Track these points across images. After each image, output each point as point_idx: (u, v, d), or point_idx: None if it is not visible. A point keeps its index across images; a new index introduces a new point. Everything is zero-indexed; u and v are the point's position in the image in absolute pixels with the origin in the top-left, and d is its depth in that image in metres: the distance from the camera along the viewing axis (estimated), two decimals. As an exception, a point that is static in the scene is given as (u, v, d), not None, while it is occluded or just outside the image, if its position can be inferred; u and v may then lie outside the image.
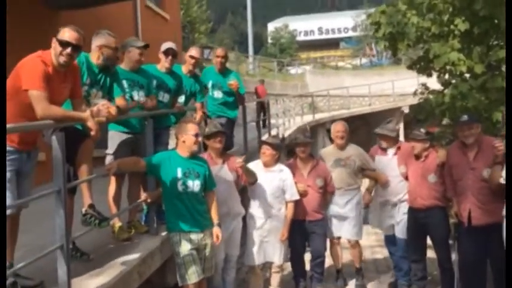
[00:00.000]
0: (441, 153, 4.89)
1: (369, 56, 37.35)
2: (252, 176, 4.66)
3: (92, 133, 3.14)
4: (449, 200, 4.85)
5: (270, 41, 50.32)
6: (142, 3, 11.12)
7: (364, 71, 31.06)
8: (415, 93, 8.25)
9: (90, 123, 3.12)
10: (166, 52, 4.73)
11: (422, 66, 7.07)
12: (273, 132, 11.11)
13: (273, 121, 11.27)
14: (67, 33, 3.06)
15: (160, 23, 12.24)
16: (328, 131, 19.71)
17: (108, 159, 4.11)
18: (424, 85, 8.03)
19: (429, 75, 7.22)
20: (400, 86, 23.91)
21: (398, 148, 5.32)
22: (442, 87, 7.55)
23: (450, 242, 4.96)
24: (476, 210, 4.36)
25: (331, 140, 5.51)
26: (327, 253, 5.36)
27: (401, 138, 20.80)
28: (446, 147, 5.18)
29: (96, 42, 3.72)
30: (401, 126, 21.97)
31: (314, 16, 63.98)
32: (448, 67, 6.04)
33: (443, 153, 4.85)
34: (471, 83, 5.87)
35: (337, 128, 5.37)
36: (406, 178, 5.17)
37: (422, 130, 5.01)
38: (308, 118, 17.85)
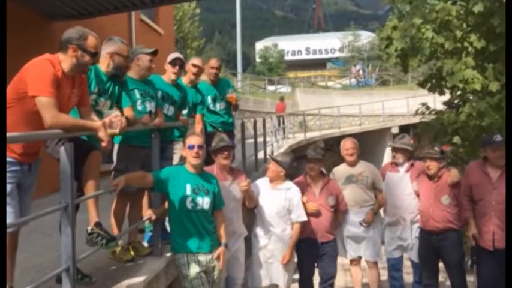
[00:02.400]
0: (453, 173, 4.74)
1: (356, 76, 37.70)
2: (252, 202, 4.48)
3: (104, 144, 2.90)
4: (465, 222, 4.66)
5: (258, 59, 50.58)
6: (136, 17, 10.97)
7: (353, 91, 31.25)
8: (416, 113, 8.13)
9: (102, 134, 2.88)
10: (174, 62, 4.53)
11: (434, 83, 6.93)
12: (268, 150, 10.94)
13: (267, 139, 11.09)
14: (95, 42, 2.91)
15: (154, 37, 12.08)
16: (322, 149, 19.73)
17: (115, 175, 3.84)
18: (425, 104, 7.93)
19: (441, 93, 7.08)
20: (389, 106, 24.11)
21: (412, 165, 5.17)
22: (444, 107, 7.46)
23: (469, 265, 4.76)
24: (500, 233, 4.20)
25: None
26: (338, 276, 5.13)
27: (390, 158, 20.94)
28: (457, 167, 5.02)
29: (108, 49, 3.51)
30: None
31: (301, 36, 64.86)
32: (461, 85, 5.91)
33: (456, 173, 4.70)
34: (488, 101, 5.75)
35: (347, 146, 5.22)
36: (418, 195, 5.00)
37: (437, 148, 4.84)
38: (300, 136, 17.74)
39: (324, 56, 56.63)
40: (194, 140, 3.78)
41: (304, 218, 4.62)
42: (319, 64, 54.30)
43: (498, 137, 4.38)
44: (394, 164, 5.25)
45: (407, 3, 6.56)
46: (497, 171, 4.29)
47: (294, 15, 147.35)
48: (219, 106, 5.72)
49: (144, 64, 4.00)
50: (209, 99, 5.68)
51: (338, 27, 75.47)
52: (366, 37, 48.71)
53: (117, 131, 3.01)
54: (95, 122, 2.94)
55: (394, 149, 5.24)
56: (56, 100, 2.65)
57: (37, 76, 2.64)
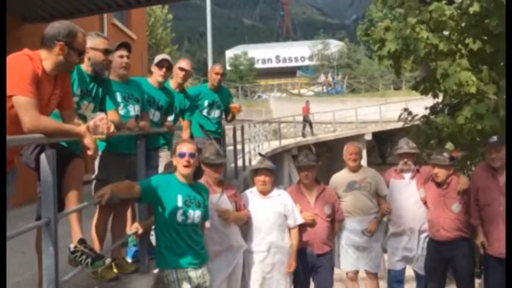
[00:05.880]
0: (462, 180, 4.56)
1: (325, 85, 38.05)
2: (241, 221, 4.19)
3: (90, 152, 2.57)
4: (472, 230, 4.48)
5: (228, 67, 50.39)
6: (109, 21, 10.60)
7: (327, 98, 31.41)
8: (399, 118, 8.04)
9: (88, 141, 2.55)
10: (161, 64, 4.22)
11: (427, 86, 6.77)
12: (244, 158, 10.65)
13: (239, 147, 10.81)
14: (83, 39, 2.64)
15: (127, 42, 11.70)
16: (294, 156, 19.68)
17: (97, 185, 3.50)
18: (406, 110, 7.84)
19: (435, 96, 6.94)
20: (362, 113, 24.30)
21: (417, 171, 4.92)
22: (428, 112, 7.36)
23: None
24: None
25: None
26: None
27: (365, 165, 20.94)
28: (468, 173, 4.85)
29: None
30: (364, 153, 22.16)
31: (271, 45, 65.25)
32: (455, 88, 5.77)
33: (465, 181, 4.53)
34: (487, 103, 5.62)
35: (350, 150, 4.95)
36: (425, 203, 4.79)
37: (446, 154, 4.63)
38: (274, 144, 17.58)
39: (293, 64, 56.99)
40: (186, 147, 3.48)
41: (301, 220, 4.39)
42: (289, 72, 54.57)
43: (493, 138, 4.27)
44: (399, 171, 5.00)
45: (400, 4, 6.44)
46: (504, 175, 4.13)
47: (262, 24, 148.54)
48: (213, 113, 5.47)
49: (115, 62, 3.66)
50: (205, 103, 5.42)
51: (306, 36, 76.32)
52: (335, 45, 49.27)
53: (103, 136, 2.70)
54: (80, 126, 2.61)
55: (403, 155, 4.93)
56: (36, 100, 2.33)
57: (14, 73, 2.30)
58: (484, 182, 4.27)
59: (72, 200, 2.77)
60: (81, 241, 2.72)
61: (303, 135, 22.03)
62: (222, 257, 4.00)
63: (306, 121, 22.54)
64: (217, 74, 5.40)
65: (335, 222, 4.73)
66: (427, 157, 4.90)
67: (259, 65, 54.10)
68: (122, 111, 3.61)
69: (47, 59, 2.49)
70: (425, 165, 5.04)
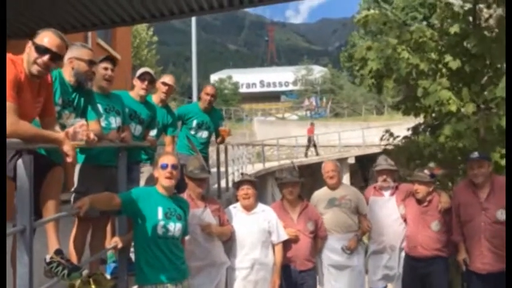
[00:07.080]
0: (444, 198, 4.56)
1: (309, 109, 38.45)
2: (224, 236, 4.12)
3: (69, 159, 2.53)
4: (454, 247, 4.44)
5: (213, 91, 50.71)
6: (93, 41, 10.57)
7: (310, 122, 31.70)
8: (381, 139, 8.13)
9: (67, 148, 2.51)
10: (142, 77, 4.21)
11: (408, 106, 6.87)
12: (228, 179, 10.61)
13: (223, 169, 10.78)
14: (47, 38, 2.53)
15: (111, 62, 11.67)
16: (277, 179, 19.66)
17: (76, 198, 3.43)
18: (388, 131, 7.94)
19: (416, 115, 7.04)
20: (345, 137, 24.53)
21: (396, 188, 4.91)
22: (410, 132, 7.45)
23: None
24: (489, 255, 4.02)
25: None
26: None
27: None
28: (449, 192, 4.85)
29: (68, 54, 3.16)
30: (347, 176, 22.26)
31: (256, 70, 65.87)
32: (436, 107, 5.87)
33: (446, 199, 4.53)
34: (467, 123, 5.72)
35: (327, 168, 4.91)
36: (406, 220, 4.77)
37: (427, 172, 4.64)
38: (258, 167, 17.58)
39: (278, 89, 57.48)
40: (168, 158, 3.44)
41: (286, 236, 4.34)
42: (273, 97, 54.99)
43: (474, 154, 4.29)
44: (379, 188, 4.97)
45: (382, 25, 6.59)
46: (485, 191, 4.16)
47: (247, 49, 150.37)
48: (200, 134, 5.45)
49: (99, 73, 3.65)
50: (194, 123, 5.39)
51: (290, 62, 77.42)
52: (318, 71, 50.02)
53: (83, 143, 2.66)
54: (59, 133, 2.58)
55: (383, 172, 4.92)
56: (16, 105, 2.29)
57: None
58: (465, 199, 4.28)
59: (49, 210, 2.70)
60: (58, 251, 2.65)
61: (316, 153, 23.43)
62: (205, 273, 3.92)
63: (310, 142, 23.50)
64: (207, 94, 5.41)
65: (318, 239, 4.69)
66: (408, 175, 4.89)
67: (243, 90, 54.45)
68: (103, 123, 3.59)
69: (24, 60, 2.51)
70: (405, 183, 5.04)
